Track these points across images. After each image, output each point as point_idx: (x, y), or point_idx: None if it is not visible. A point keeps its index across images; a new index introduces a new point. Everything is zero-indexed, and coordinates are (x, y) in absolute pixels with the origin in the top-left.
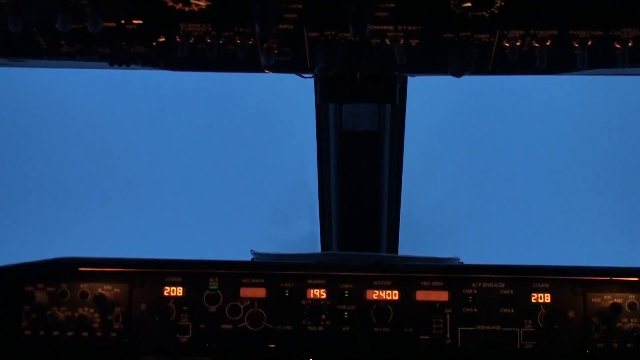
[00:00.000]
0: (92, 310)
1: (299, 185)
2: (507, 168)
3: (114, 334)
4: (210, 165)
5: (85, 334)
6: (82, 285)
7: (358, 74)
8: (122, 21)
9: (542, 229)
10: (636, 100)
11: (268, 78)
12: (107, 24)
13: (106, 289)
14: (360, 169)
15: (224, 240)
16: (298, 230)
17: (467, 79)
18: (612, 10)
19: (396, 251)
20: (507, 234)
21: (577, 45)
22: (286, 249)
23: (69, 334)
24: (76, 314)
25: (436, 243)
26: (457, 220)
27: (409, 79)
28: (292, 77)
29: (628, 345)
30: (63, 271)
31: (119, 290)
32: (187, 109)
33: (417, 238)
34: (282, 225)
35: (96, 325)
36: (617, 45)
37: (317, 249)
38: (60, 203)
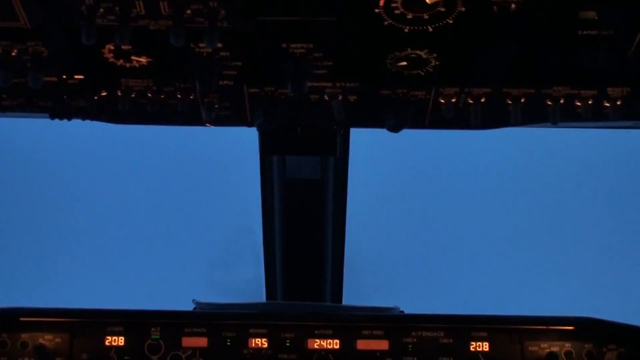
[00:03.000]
0: None
1: (244, 232)
2: (448, 219)
3: None
4: (153, 214)
5: None
6: (22, 335)
7: (299, 127)
8: (64, 76)
9: (481, 278)
10: (565, 152)
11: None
12: (48, 79)
13: (47, 339)
14: (304, 218)
15: (168, 289)
16: (243, 277)
17: (410, 130)
18: (543, 70)
19: (340, 300)
20: (447, 284)
21: (510, 102)
22: (232, 295)
23: None
24: None
25: (379, 292)
26: (399, 269)
27: (353, 129)
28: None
29: None
30: (3, 321)
31: (60, 340)
32: (131, 158)
33: (360, 287)
34: (227, 271)
35: None
36: (549, 102)
37: (262, 295)
38: None
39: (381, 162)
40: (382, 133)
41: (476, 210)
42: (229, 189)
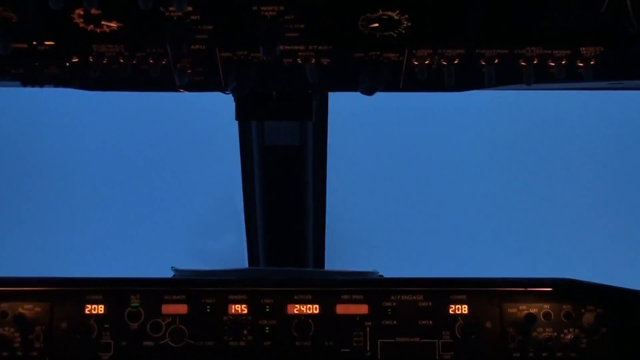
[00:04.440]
0: (12, 329)
1: (225, 199)
2: (428, 182)
3: (35, 353)
4: (133, 182)
5: (5, 354)
6: (1, 305)
7: (274, 92)
8: (34, 42)
9: (461, 240)
10: (545, 114)
11: (191, 93)
12: (18, 46)
13: (26, 308)
14: (284, 184)
15: (150, 257)
16: (225, 244)
17: (388, 93)
18: (517, 30)
19: (322, 265)
20: (426, 246)
21: (484, 63)
22: (214, 263)
23: None
24: None
25: (359, 256)
26: (379, 233)
27: (332, 93)
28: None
29: (543, 355)
30: None
31: (39, 309)
32: (109, 126)
33: (342, 251)
34: (209, 239)
35: (17, 344)
36: (523, 63)
37: (245, 262)
38: None
39: (361, 126)
40: (361, 97)
41: (456, 173)
42: (209, 156)
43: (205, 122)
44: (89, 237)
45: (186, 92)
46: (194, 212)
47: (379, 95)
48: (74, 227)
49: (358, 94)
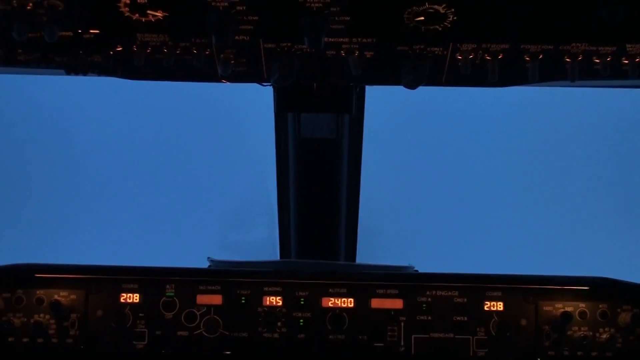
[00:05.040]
0: (47, 316)
1: (258, 192)
2: (464, 177)
3: (70, 340)
4: (169, 173)
5: (40, 340)
6: (38, 292)
7: (315, 84)
8: (79, 30)
9: (497, 238)
10: (586, 112)
11: (228, 85)
12: (64, 33)
13: (62, 296)
14: (318, 177)
15: (183, 247)
16: (257, 237)
17: (426, 89)
18: (562, 25)
19: (354, 259)
20: (462, 243)
21: (528, 58)
22: (246, 254)
23: (25, 340)
24: (32, 320)
25: (393, 251)
26: (414, 228)
27: (369, 87)
28: (252, 84)
29: (578, 353)
30: (19, 277)
31: (75, 297)
32: (146, 116)
33: (375, 245)
34: (242, 231)
35: (52, 331)
36: (567, 59)
37: (276, 255)
38: (14, 209)
39: (397, 120)
40: (397, 91)
41: (492, 169)
42: (244, 148)
43: (240, 114)
44: (125, 227)
45: (227, 83)
46: (227, 205)
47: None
48: (112, 217)
49: (395, 87)
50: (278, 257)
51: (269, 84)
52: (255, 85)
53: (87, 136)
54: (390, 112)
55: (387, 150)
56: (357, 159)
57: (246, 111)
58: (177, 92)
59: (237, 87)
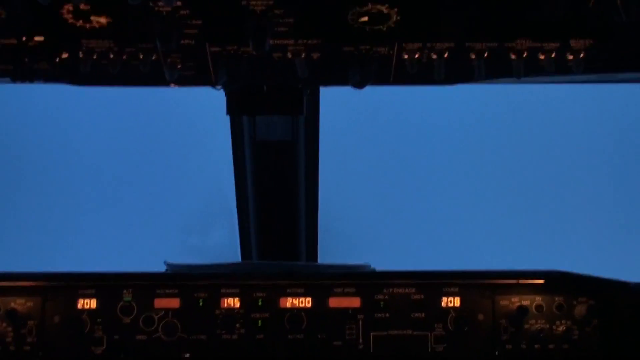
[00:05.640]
0: (4, 324)
1: (215, 195)
2: (420, 176)
3: (28, 348)
4: (126, 177)
5: None
6: None
7: (265, 87)
8: (23, 38)
9: (453, 233)
10: (535, 108)
11: (183, 89)
12: (7, 41)
13: (19, 303)
14: (276, 179)
15: (141, 252)
16: (217, 239)
17: (383, 88)
18: (506, 23)
19: (315, 259)
20: (419, 240)
21: (473, 56)
22: (206, 258)
23: None
24: None
25: (353, 251)
26: (371, 227)
27: (325, 89)
28: (206, 88)
29: (536, 346)
30: None
31: (31, 304)
32: (102, 121)
33: (334, 245)
34: (201, 234)
35: (9, 339)
36: (513, 56)
37: (237, 257)
38: None
39: (353, 121)
40: (352, 92)
41: (447, 167)
42: (200, 152)
43: (196, 118)
44: (81, 232)
45: (176, 87)
46: (185, 208)
47: (370, 89)
48: (66, 223)
49: (349, 88)
50: (239, 260)
51: (220, 87)
52: (209, 88)
53: (42, 143)
54: (347, 113)
55: (345, 150)
56: (314, 160)
57: (203, 114)
58: (132, 97)
59: (192, 90)
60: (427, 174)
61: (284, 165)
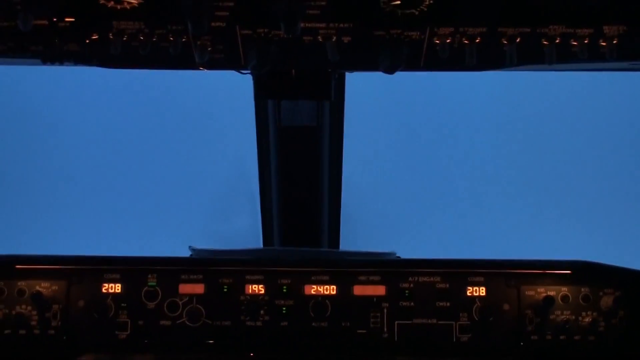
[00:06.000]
0: (29, 307)
1: (240, 180)
2: (445, 163)
3: (52, 332)
4: (150, 162)
5: (22, 331)
6: (19, 283)
7: (293, 71)
8: (54, 19)
9: (479, 222)
10: (565, 96)
11: (207, 73)
12: (38, 22)
13: (44, 287)
14: (300, 165)
15: (165, 237)
16: (239, 225)
17: (406, 74)
18: (539, 8)
19: (337, 246)
20: (444, 228)
21: (505, 42)
22: (228, 243)
23: (6, 332)
24: (13, 312)
25: (375, 238)
26: (396, 214)
27: (349, 74)
28: (231, 72)
29: (561, 337)
30: (0, 269)
31: (56, 288)
32: (125, 104)
33: (357, 233)
34: (224, 220)
35: (34, 322)
36: (545, 42)
37: (259, 243)
38: None
39: (379, 106)
40: (378, 77)
41: (474, 155)
42: (225, 136)
43: (220, 102)
44: (106, 217)
45: (205, 70)
46: (208, 193)
47: (397, 74)
48: (92, 207)
49: (375, 73)
50: (261, 245)
51: (248, 71)
52: (234, 72)
53: (65, 126)
54: (372, 98)
55: (369, 136)
56: (339, 146)
57: (227, 98)
58: (156, 79)
59: (217, 73)
60: (454, 161)
61: (308, 150)
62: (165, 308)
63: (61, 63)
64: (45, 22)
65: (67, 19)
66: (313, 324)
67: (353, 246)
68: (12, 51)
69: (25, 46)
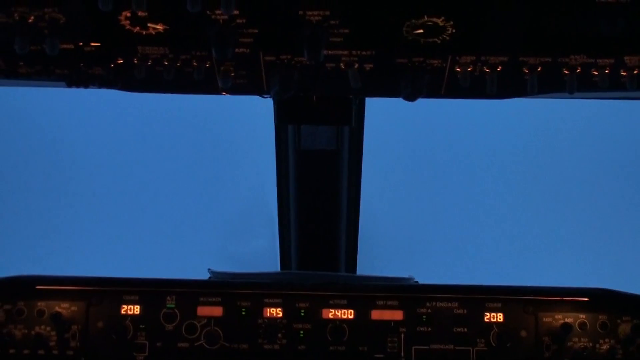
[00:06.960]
0: (48, 328)
1: (258, 203)
2: (464, 189)
3: (71, 352)
4: (169, 184)
5: (41, 352)
6: (39, 304)
7: (314, 96)
8: (81, 43)
9: (496, 249)
10: (586, 124)
11: (227, 97)
12: (65, 46)
13: (63, 307)
14: (319, 188)
15: (182, 259)
16: (257, 248)
17: (426, 100)
18: (561, 38)
19: (354, 270)
20: (462, 255)
21: (526, 71)
22: (245, 266)
23: (25, 352)
24: (33, 332)
25: (393, 262)
26: (414, 239)
27: (368, 99)
28: (251, 96)
29: None
30: (20, 289)
31: (76, 309)
32: (145, 128)
33: (374, 257)
34: (242, 242)
35: (53, 343)
36: (566, 72)
37: (277, 267)
38: (15, 221)
39: (396, 132)
40: (397, 102)
41: (492, 181)
42: (244, 160)
43: (239, 125)
44: (126, 238)
45: (227, 95)
46: (227, 216)
47: (419, 101)
48: (112, 229)
49: (394, 99)
50: (279, 269)
51: (269, 96)
52: (255, 96)
53: (86, 148)
54: (391, 123)
55: (387, 160)
56: (358, 170)
57: (246, 122)
58: (176, 103)
59: (237, 98)
60: (472, 188)
61: (327, 174)
62: (183, 330)
63: (86, 86)
64: (71, 46)
65: (93, 44)
66: (330, 347)
67: (370, 270)
68: (39, 74)
69: (51, 69)
